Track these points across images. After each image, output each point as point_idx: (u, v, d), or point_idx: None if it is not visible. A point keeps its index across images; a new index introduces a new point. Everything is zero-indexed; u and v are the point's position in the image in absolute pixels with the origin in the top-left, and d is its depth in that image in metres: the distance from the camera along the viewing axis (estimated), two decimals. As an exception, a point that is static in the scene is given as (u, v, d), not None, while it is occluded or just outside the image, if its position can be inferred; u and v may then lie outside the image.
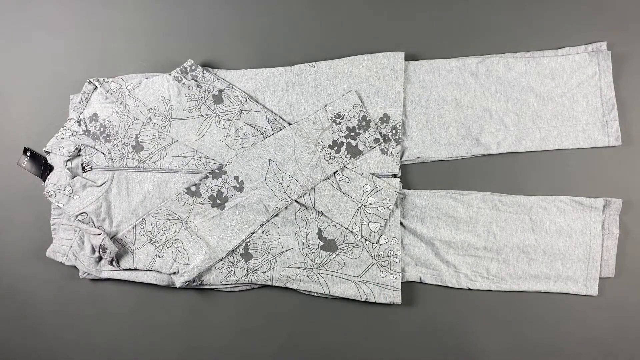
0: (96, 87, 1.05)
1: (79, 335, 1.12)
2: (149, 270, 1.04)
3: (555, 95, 0.99)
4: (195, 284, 1.03)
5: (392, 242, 0.98)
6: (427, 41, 1.03)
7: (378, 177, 0.99)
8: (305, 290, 1.02)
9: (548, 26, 1.01)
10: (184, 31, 1.10)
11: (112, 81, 1.05)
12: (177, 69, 1.04)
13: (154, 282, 1.04)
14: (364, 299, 0.99)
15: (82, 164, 1.05)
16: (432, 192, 1.00)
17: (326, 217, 0.99)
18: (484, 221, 0.99)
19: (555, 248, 0.97)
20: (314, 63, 1.03)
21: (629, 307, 0.99)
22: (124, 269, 1.04)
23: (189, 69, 1.04)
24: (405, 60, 1.01)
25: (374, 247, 0.99)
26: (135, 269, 1.04)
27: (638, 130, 0.99)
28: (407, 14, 1.04)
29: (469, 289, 1.00)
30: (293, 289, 1.03)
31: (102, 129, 1.04)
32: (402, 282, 1.00)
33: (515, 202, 0.99)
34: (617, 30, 1.00)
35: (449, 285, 1.00)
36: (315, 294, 1.02)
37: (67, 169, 1.04)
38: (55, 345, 1.13)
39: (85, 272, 1.06)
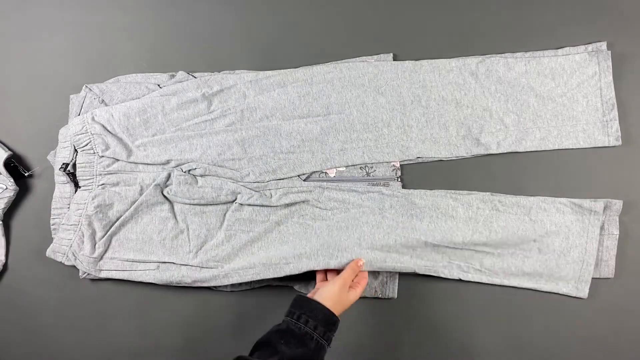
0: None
1: (79, 335, 1.12)
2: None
3: (555, 95, 0.99)
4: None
5: None
6: (427, 41, 1.04)
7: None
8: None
9: (548, 26, 1.01)
10: (184, 31, 1.10)
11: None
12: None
13: (153, 282, 1.04)
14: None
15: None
16: (432, 192, 1.00)
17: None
18: (484, 221, 0.99)
19: (550, 248, 0.97)
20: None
21: (629, 308, 0.99)
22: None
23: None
24: (405, 60, 1.01)
25: None
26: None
27: (638, 130, 0.99)
28: (407, 15, 1.04)
29: (460, 280, 0.99)
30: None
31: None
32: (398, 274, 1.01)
33: (514, 202, 0.99)
34: (617, 30, 1.00)
35: (441, 275, 0.99)
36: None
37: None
38: (55, 345, 1.12)
39: (85, 272, 1.06)
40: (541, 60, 0.99)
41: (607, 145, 0.98)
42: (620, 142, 0.97)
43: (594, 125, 0.98)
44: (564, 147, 0.99)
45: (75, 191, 1.04)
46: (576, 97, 0.98)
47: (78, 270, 1.07)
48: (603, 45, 0.99)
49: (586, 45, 0.99)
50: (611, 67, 0.98)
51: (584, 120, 0.98)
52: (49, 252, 1.05)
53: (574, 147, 0.99)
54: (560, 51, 1.00)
